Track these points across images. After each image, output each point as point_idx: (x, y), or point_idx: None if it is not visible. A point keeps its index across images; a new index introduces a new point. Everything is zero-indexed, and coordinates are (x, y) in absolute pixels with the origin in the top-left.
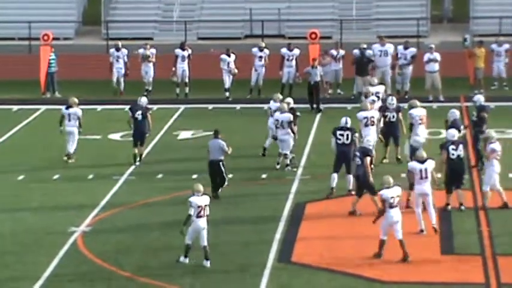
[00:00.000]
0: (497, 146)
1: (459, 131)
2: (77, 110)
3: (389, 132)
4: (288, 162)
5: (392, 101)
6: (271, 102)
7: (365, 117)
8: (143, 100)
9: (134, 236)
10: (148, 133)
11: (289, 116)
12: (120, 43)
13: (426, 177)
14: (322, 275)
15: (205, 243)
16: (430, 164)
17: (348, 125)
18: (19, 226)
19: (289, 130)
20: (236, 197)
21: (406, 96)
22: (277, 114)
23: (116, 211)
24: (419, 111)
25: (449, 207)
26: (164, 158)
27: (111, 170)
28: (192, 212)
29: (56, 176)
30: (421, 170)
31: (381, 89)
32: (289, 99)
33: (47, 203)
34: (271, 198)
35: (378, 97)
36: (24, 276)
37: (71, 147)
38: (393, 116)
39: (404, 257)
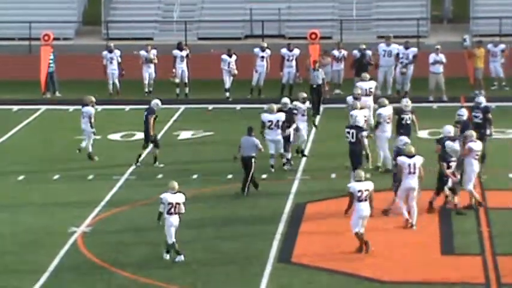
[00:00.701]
0: (476, 145)
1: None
2: (89, 109)
3: (406, 134)
4: (285, 161)
5: (408, 103)
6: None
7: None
8: (152, 102)
9: (134, 236)
10: (149, 134)
11: (281, 116)
12: (112, 44)
13: (414, 172)
14: (322, 275)
15: (173, 240)
16: (419, 160)
17: (357, 124)
18: (19, 226)
19: (286, 130)
20: (236, 197)
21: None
22: (267, 116)
23: (115, 211)
24: (387, 111)
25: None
26: (164, 158)
27: (111, 170)
28: (162, 208)
29: (56, 176)
30: (409, 165)
31: (372, 84)
32: (286, 100)
33: (47, 203)
34: (271, 198)
35: (371, 93)
36: (24, 277)
37: (84, 143)
38: (409, 118)
39: (359, 249)
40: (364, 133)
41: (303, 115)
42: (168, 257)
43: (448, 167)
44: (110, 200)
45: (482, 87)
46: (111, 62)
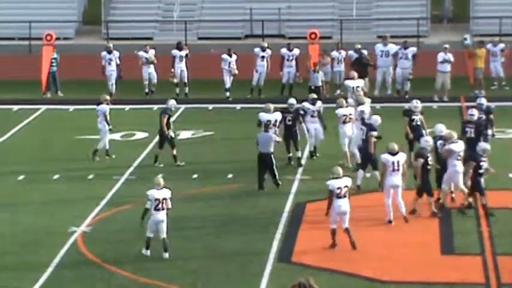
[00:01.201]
0: (457, 146)
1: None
2: (103, 107)
3: (417, 135)
4: (289, 161)
5: (418, 104)
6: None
7: (344, 115)
8: (169, 103)
9: (134, 236)
10: (164, 135)
11: (279, 116)
12: (111, 45)
13: (398, 170)
14: (322, 275)
15: (164, 235)
16: (402, 157)
17: (371, 122)
18: (19, 226)
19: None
20: (236, 197)
21: (406, 96)
22: (265, 115)
23: (116, 211)
24: (368, 108)
25: (440, 201)
26: (164, 158)
27: (111, 170)
28: (148, 205)
29: (56, 176)
30: (393, 163)
31: (360, 83)
32: (293, 100)
33: (47, 203)
34: (271, 198)
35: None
36: (24, 277)
37: (99, 144)
38: (419, 119)
39: (353, 245)
40: (374, 133)
41: (312, 116)
42: (148, 252)
43: (479, 167)
44: (110, 200)
45: (483, 87)
46: (109, 63)
